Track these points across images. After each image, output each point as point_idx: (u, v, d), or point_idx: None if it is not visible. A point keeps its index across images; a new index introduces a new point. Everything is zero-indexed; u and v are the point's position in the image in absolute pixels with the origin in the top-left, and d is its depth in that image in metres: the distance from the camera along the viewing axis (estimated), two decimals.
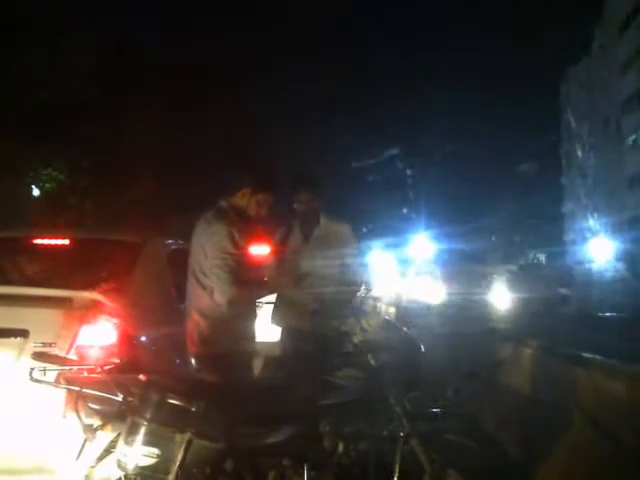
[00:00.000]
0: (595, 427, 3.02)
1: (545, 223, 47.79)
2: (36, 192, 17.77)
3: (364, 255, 3.83)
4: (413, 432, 2.39)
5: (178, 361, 3.34)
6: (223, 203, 2.98)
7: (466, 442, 2.50)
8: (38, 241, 3.68)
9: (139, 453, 1.97)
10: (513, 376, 4.30)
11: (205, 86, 18.86)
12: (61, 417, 2.55)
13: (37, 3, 15.30)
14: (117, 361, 2.19)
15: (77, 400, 2.14)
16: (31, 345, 2.70)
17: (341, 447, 2.35)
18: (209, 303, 2.81)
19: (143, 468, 1.98)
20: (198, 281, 2.85)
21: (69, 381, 2.12)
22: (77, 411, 2.10)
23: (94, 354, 2.74)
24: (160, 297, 3.58)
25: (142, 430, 1.98)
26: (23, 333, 2.77)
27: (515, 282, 17.41)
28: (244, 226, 2.92)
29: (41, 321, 2.83)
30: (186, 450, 1.96)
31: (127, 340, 2.91)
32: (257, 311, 3.11)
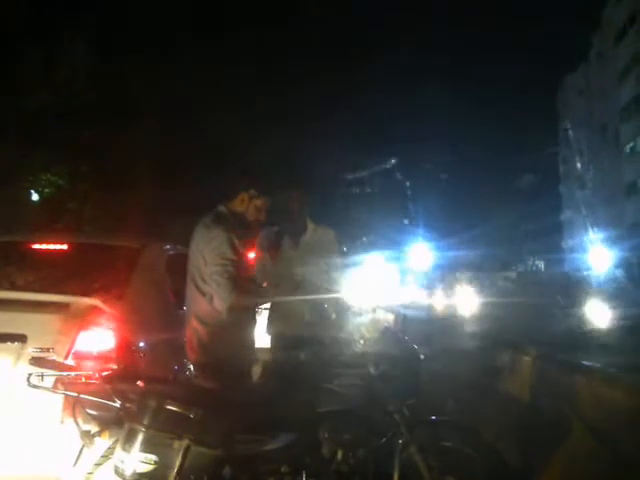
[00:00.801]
0: (594, 435, 3.01)
1: (544, 231, 47.91)
2: (35, 197, 17.77)
3: (349, 261, 3.85)
4: (412, 440, 2.39)
5: (176, 367, 3.34)
6: (222, 208, 2.98)
7: (464, 450, 2.49)
8: (37, 246, 3.67)
9: (137, 459, 1.97)
10: (512, 384, 4.29)
11: (204, 90, 18.92)
12: (59, 423, 2.54)
13: (34, 7, 15.33)
14: (115, 367, 2.19)
15: (75, 406, 2.13)
16: (29, 350, 2.70)
17: (340, 454, 2.34)
18: (208, 309, 2.79)
19: (141, 474, 1.97)
20: (197, 287, 2.83)
21: (67, 387, 2.11)
22: (75, 417, 2.09)
23: (92, 360, 2.73)
24: (158, 303, 3.57)
25: (140, 436, 1.97)
26: (21, 338, 2.76)
27: (514, 289, 17.43)
28: (243, 231, 2.92)
29: (39, 326, 2.82)
30: (184, 457, 1.95)
31: (125, 346, 2.90)
32: (257, 317, 3.10)
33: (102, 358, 2.75)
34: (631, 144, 39.74)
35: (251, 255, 3.86)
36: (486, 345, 5.92)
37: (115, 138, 16.82)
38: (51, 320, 2.84)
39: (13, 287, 3.18)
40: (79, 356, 2.73)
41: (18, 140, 15.14)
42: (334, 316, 3.47)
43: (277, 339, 3.57)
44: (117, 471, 1.97)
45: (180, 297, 3.41)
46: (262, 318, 3.55)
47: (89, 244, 3.86)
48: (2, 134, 14.87)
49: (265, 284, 3.38)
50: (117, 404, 2.03)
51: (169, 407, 1.99)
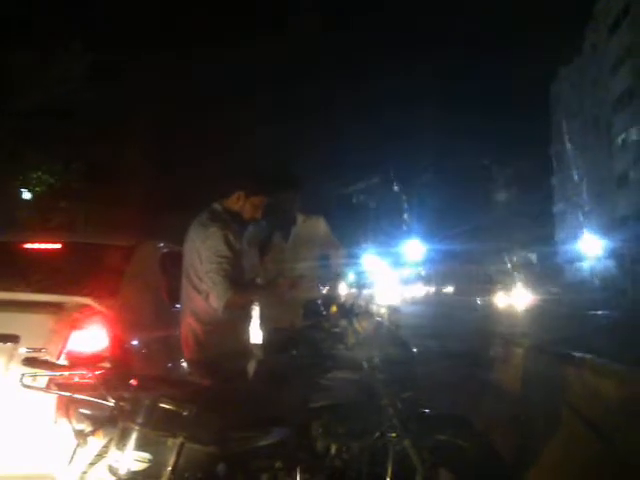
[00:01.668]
0: (585, 425, 3.05)
1: (536, 223, 48.04)
2: (27, 196, 17.65)
3: (343, 247, 3.83)
4: (405, 433, 2.40)
5: (170, 365, 3.34)
6: (217, 206, 2.97)
7: (457, 442, 2.51)
8: (29, 245, 3.66)
9: (131, 458, 1.97)
10: (504, 375, 4.33)
11: (201, 89, 18.87)
12: (52, 423, 2.54)
13: (26, 7, 15.20)
14: (108, 366, 2.18)
15: (68, 406, 2.13)
16: (22, 350, 2.69)
17: (334, 449, 2.36)
18: (204, 307, 2.80)
19: (135, 473, 1.98)
20: (193, 285, 2.83)
21: (60, 387, 2.11)
22: (68, 417, 2.09)
23: (85, 359, 2.72)
24: (151, 301, 3.56)
25: (133, 435, 1.97)
26: (13, 338, 2.75)
27: (506, 281, 17.52)
28: (239, 229, 2.92)
29: (31, 326, 2.81)
30: (178, 454, 1.96)
31: (118, 345, 2.90)
32: (252, 313, 3.11)
33: (95, 357, 2.74)
34: (623, 136, 39.87)
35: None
36: (479, 337, 5.96)
37: (108, 136, 16.73)
38: (44, 320, 2.83)
39: (5, 287, 3.17)
40: (72, 356, 2.73)
41: (8, 138, 15.02)
42: (326, 312, 3.48)
43: (270, 334, 3.58)
44: (111, 470, 1.97)
45: (173, 295, 3.41)
46: (255, 313, 3.55)
47: (81, 243, 3.84)
48: None
49: (258, 280, 3.38)
50: (111, 403, 2.03)
51: (162, 405, 2.00)
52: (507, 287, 16.65)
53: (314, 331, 3.35)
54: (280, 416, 2.25)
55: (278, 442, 2.16)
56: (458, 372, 4.89)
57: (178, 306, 3.07)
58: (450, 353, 5.77)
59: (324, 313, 3.42)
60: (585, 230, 37.05)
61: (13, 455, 2.61)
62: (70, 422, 2.08)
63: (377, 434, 2.45)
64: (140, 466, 1.98)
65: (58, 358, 2.67)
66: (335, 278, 3.73)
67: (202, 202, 3.10)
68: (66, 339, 2.77)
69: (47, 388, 2.14)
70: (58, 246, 3.68)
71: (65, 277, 3.26)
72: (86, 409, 2.11)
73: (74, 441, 2.06)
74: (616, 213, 38.71)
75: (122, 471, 1.96)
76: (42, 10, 15.67)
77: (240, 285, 2.78)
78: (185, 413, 1.98)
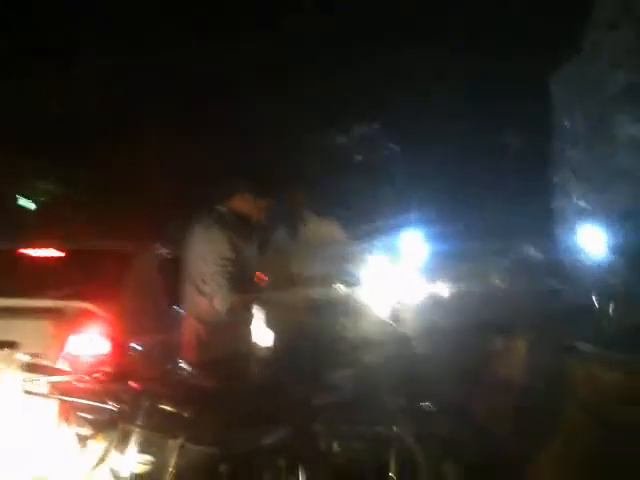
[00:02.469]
0: (589, 416, 3.04)
1: (536, 218, 47.95)
2: (30, 205, 17.65)
3: (353, 249, 3.80)
4: (408, 428, 2.39)
5: (169, 368, 3.33)
6: (221, 208, 2.94)
7: (461, 436, 2.50)
8: (29, 252, 3.67)
9: (132, 460, 1.96)
10: (507, 368, 4.32)
11: (203, 89, 18.85)
12: (53, 428, 2.54)
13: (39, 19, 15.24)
14: (107, 370, 2.18)
15: (68, 410, 2.13)
16: (21, 356, 2.69)
17: (336, 446, 2.35)
18: (208, 309, 2.77)
19: (136, 475, 1.97)
20: (197, 288, 2.80)
21: (60, 391, 2.10)
22: (68, 421, 2.09)
23: (84, 363, 2.73)
24: (151, 305, 3.57)
25: (134, 437, 1.97)
26: (12, 344, 2.75)
27: (506, 275, 17.49)
28: (243, 231, 2.89)
29: (30, 332, 2.82)
30: (179, 455, 1.95)
31: (117, 348, 2.91)
32: (254, 315, 3.10)
33: (94, 361, 2.75)
34: (623, 132, 39.77)
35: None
36: (481, 330, 5.94)
37: (112, 144, 16.70)
38: (42, 325, 2.84)
39: (4, 294, 3.17)
40: (71, 360, 2.73)
41: (12, 147, 15.03)
42: (330, 310, 3.48)
43: (275, 334, 3.58)
44: (113, 473, 1.97)
45: (173, 298, 3.41)
46: (259, 312, 3.54)
47: (82, 249, 3.85)
48: None
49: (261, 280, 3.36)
50: (110, 406, 2.03)
51: (162, 407, 1.99)
52: (505, 279, 16.63)
53: (315, 329, 3.36)
54: (282, 414, 2.24)
55: (280, 440, 2.16)
56: (460, 364, 4.87)
57: (177, 309, 3.07)
58: (452, 344, 5.76)
59: (327, 312, 3.44)
60: (585, 225, 36.95)
61: (14, 460, 2.61)
62: (70, 426, 2.09)
63: (379, 430, 2.44)
64: (141, 468, 1.98)
65: (57, 363, 2.67)
66: (343, 278, 3.68)
67: (205, 204, 3.07)
68: (65, 344, 2.77)
69: (47, 393, 2.13)
70: (59, 252, 3.68)
71: (65, 283, 3.27)
72: (86, 413, 2.11)
73: (75, 445, 2.06)
74: (616, 209, 38.58)
75: (123, 474, 1.95)
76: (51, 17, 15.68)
77: (244, 287, 2.76)
78: (185, 414, 1.98)
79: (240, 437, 2.11)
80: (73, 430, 2.08)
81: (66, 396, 2.09)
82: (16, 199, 16.57)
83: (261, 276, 3.29)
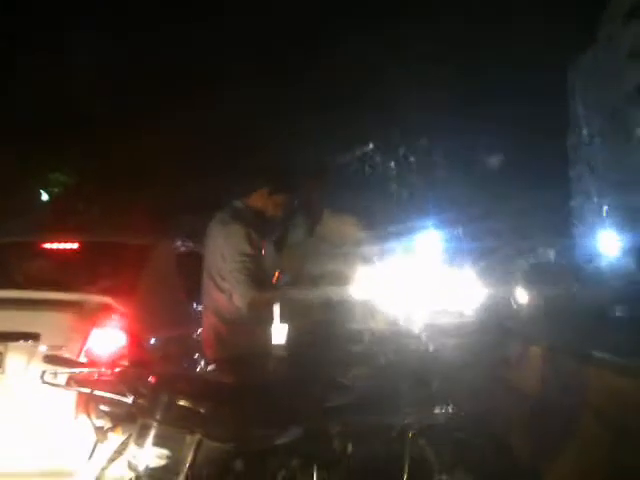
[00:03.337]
0: (607, 426, 3.00)
1: (553, 217, 47.22)
2: (45, 197, 17.87)
3: (373, 249, 3.76)
4: (422, 432, 2.39)
5: (188, 363, 3.37)
6: (238, 203, 2.93)
7: (475, 441, 2.49)
8: (48, 245, 3.71)
9: (149, 454, 1.99)
10: (523, 375, 4.29)
11: (211, 85, 18.91)
12: (72, 419, 2.58)
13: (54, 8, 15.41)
14: (127, 363, 2.21)
15: (88, 402, 2.16)
16: (42, 348, 2.73)
17: (350, 447, 2.35)
18: (227, 306, 2.77)
19: (153, 469, 1.99)
20: (216, 284, 2.79)
21: (80, 383, 2.13)
22: (88, 413, 2.12)
23: (104, 356, 2.77)
24: (169, 299, 3.60)
25: (152, 431, 1.99)
26: (34, 336, 2.80)
27: (525, 279, 17.27)
28: (261, 227, 2.88)
29: (52, 324, 2.86)
30: (196, 451, 1.97)
31: (137, 342, 2.93)
32: (273, 312, 3.09)
33: (114, 354, 2.78)
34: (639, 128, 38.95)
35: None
36: (497, 336, 5.90)
37: (123, 136, 16.85)
38: (64, 318, 2.87)
39: (26, 286, 3.22)
40: (92, 353, 2.77)
41: (27, 140, 15.24)
42: (345, 310, 3.48)
43: (289, 332, 3.58)
44: (130, 466, 1.99)
45: (191, 294, 3.43)
46: (276, 311, 3.54)
47: (100, 242, 3.88)
48: (13, 134, 14.97)
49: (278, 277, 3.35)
50: (129, 400, 2.05)
51: (181, 402, 2.01)
52: (525, 284, 16.44)
53: (331, 329, 3.36)
54: (298, 414, 2.25)
55: (295, 440, 2.17)
56: (475, 370, 4.85)
57: (196, 306, 3.08)
58: (468, 350, 5.73)
59: (343, 311, 3.43)
60: (603, 224, 36.38)
61: (34, 451, 2.66)
62: (90, 418, 2.11)
63: (394, 432, 2.44)
64: (158, 462, 2.00)
65: (78, 356, 2.71)
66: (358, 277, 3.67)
67: (223, 200, 3.08)
68: (86, 337, 2.81)
69: (67, 385, 2.16)
70: (77, 245, 3.73)
71: (85, 276, 3.31)
72: (105, 406, 2.14)
73: (94, 437, 2.09)
74: (635, 207, 37.89)
75: (141, 467, 1.97)
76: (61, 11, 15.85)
77: (263, 283, 2.77)
78: (203, 410, 2.00)
79: (257, 435, 2.12)
80: (92, 422, 2.11)
81: (86, 388, 2.13)
82: (40, 194, 16.80)
83: (277, 273, 3.29)
